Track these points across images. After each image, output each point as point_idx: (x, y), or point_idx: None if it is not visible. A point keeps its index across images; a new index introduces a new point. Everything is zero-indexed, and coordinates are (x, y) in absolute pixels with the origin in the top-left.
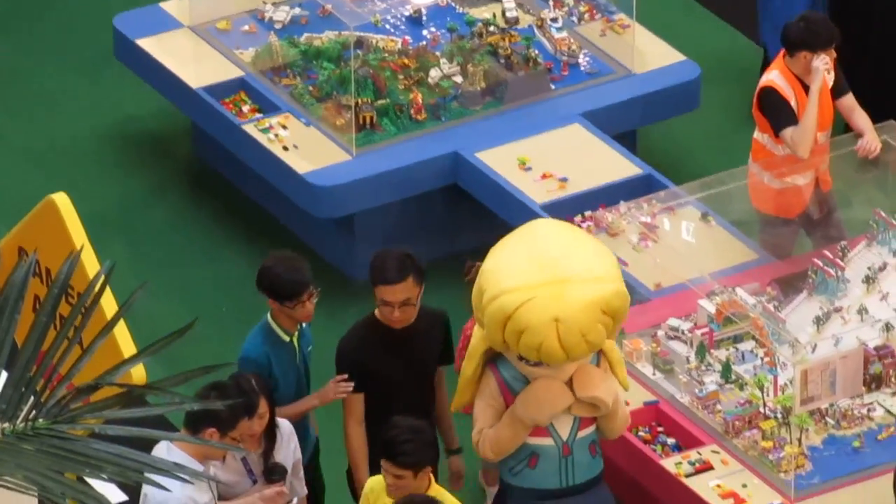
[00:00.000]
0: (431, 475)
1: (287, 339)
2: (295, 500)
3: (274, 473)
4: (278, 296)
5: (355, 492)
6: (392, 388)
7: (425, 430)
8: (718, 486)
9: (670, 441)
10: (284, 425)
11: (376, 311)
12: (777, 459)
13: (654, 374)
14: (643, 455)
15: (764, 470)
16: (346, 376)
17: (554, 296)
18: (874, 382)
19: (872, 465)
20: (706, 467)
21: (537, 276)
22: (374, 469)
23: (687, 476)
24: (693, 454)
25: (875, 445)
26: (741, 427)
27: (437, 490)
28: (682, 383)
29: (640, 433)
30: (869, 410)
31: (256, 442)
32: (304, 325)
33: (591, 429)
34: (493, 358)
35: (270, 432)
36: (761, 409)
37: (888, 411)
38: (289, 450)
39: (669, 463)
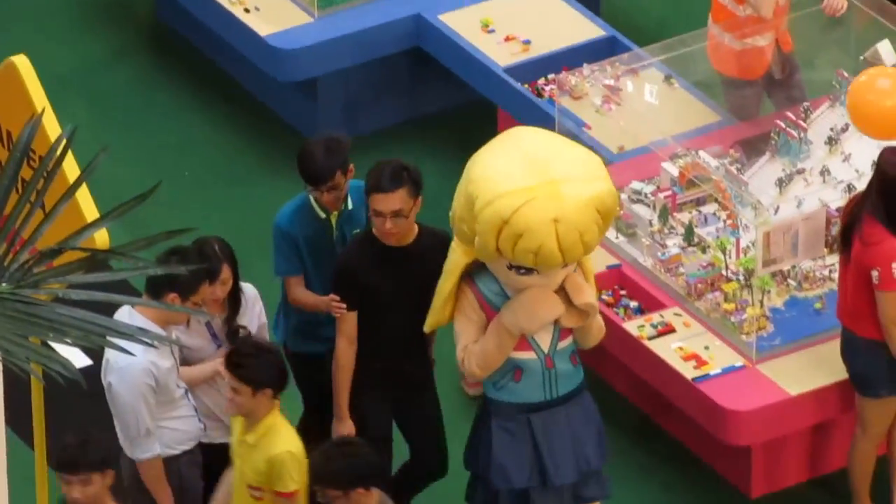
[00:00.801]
0: (278, 404)
1: (323, 216)
2: None
3: (237, 336)
4: (303, 177)
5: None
6: (384, 307)
7: (274, 352)
8: (681, 348)
9: (633, 304)
10: (249, 290)
11: (374, 228)
12: (739, 321)
13: (616, 237)
14: (606, 318)
15: (726, 332)
16: (338, 298)
17: (552, 196)
18: (836, 244)
19: (833, 327)
20: (668, 330)
21: (532, 179)
22: (355, 396)
23: (649, 339)
24: (655, 317)
25: (836, 306)
26: (703, 290)
27: (276, 418)
28: (644, 246)
29: (603, 297)
30: (830, 272)
31: (220, 307)
32: (351, 205)
33: (569, 340)
34: (469, 274)
35: (234, 297)
36: (723, 272)
37: None
38: (253, 314)
39: (632, 326)
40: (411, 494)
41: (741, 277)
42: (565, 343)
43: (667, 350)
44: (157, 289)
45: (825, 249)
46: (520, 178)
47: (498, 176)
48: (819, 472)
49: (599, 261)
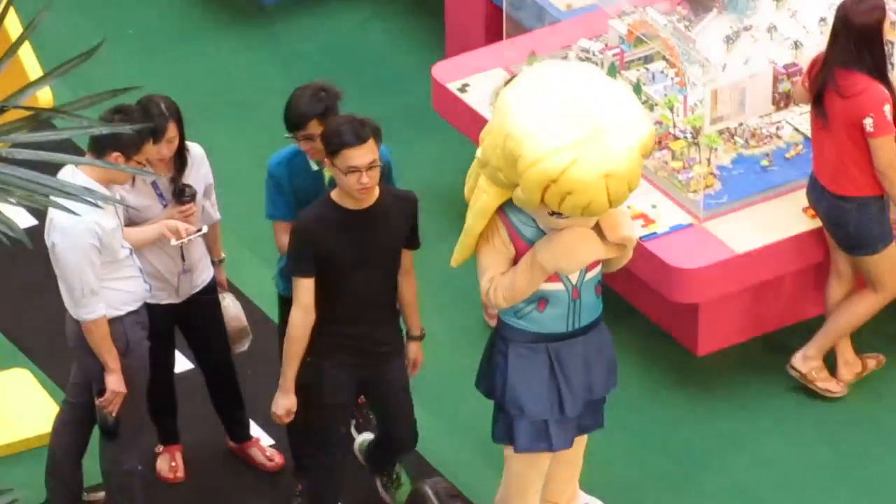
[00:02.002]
0: None
1: (315, 168)
2: (205, 227)
3: (183, 195)
4: (286, 123)
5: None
6: (347, 272)
7: None
8: (628, 207)
9: None
10: (195, 149)
11: (332, 193)
12: (686, 179)
13: None
14: None
15: (673, 190)
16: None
17: (599, 150)
18: (783, 101)
19: (780, 184)
20: None
21: (576, 132)
22: (314, 362)
23: None
24: None
25: (783, 164)
26: (651, 148)
27: None
28: None
29: None
30: (777, 129)
31: (166, 166)
32: None
33: (597, 269)
34: (500, 206)
35: (180, 156)
36: (671, 130)
37: (796, 129)
38: (199, 174)
39: None
40: (383, 468)
41: (689, 135)
42: (593, 273)
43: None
44: (101, 148)
45: (772, 107)
46: (563, 133)
47: (539, 130)
48: (764, 329)
49: None
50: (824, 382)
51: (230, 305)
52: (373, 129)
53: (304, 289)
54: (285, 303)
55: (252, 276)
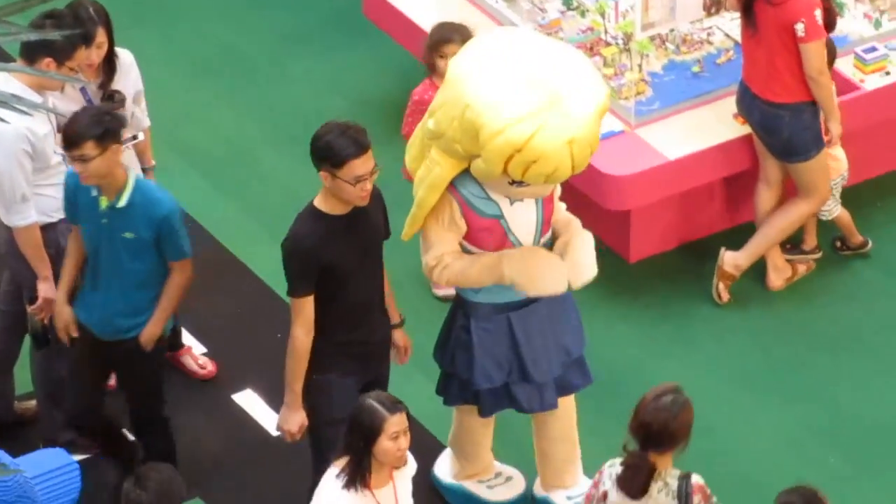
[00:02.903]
0: None
1: (94, 193)
2: (140, 135)
3: (112, 101)
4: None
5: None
6: (344, 280)
7: None
8: None
9: None
10: (125, 55)
11: (316, 202)
12: (618, 86)
13: (496, 1)
14: None
15: None
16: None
17: (561, 117)
18: (714, 6)
19: (711, 90)
20: None
21: (536, 98)
22: (317, 376)
23: None
24: None
25: (714, 70)
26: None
27: None
28: (524, 11)
29: None
30: (709, 35)
31: (95, 72)
32: (125, 202)
33: (549, 233)
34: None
35: (109, 62)
36: (602, 36)
37: (727, 35)
38: (129, 80)
39: None
40: None
41: (620, 42)
42: (546, 237)
43: None
44: (32, 54)
45: (703, 13)
46: (524, 101)
47: (500, 100)
48: (695, 236)
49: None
50: (801, 270)
51: None
52: (364, 132)
53: (307, 306)
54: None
55: (183, 184)
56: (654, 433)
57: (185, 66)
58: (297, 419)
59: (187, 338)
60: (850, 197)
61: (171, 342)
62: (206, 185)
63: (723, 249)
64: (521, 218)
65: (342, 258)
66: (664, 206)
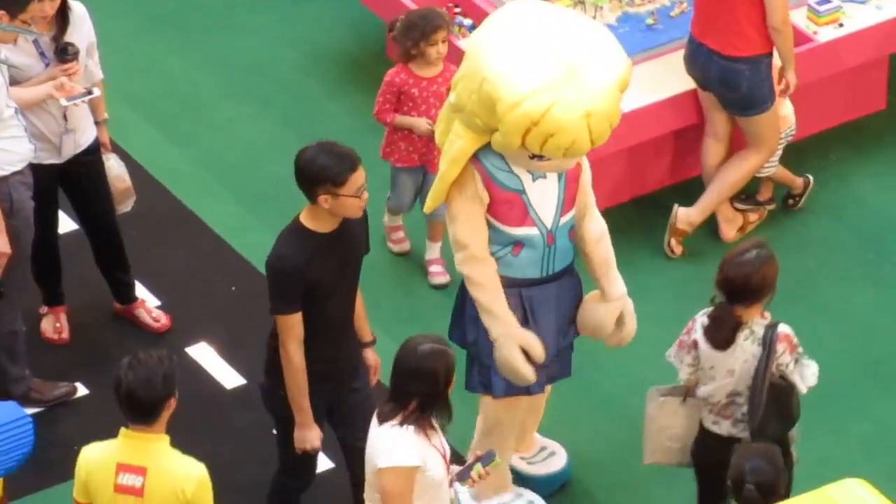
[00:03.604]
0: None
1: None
2: (96, 90)
3: (65, 53)
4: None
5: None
6: (326, 296)
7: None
8: None
9: (467, 22)
10: (78, 7)
11: (302, 219)
12: None
13: None
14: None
15: None
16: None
17: (579, 89)
18: None
19: (665, 42)
20: None
21: (553, 70)
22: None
23: None
24: None
25: (668, 22)
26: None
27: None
28: None
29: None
30: None
31: (48, 24)
32: None
33: (571, 213)
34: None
35: (63, 15)
36: None
37: None
38: (81, 32)
39: (465, 44)
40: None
41: None
42: (567, 217)
43: None
44: None
45: None
46: (541, 73)
47: (517, 73)
48: (644, 190)
49: None
50: (754, 217)
51: (114, 166)
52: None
53: (297, 323)
54: None
55: (136, 137)
56: (738, 288)
57: (137, 19)
58: (315, 434)
59: (141, 291)
60: (801, 150)
61: (123, 295)
62: (158, 137)
63: (676, 206)
64: (543, 195)
65: (326, 275)
66: (615, 159)
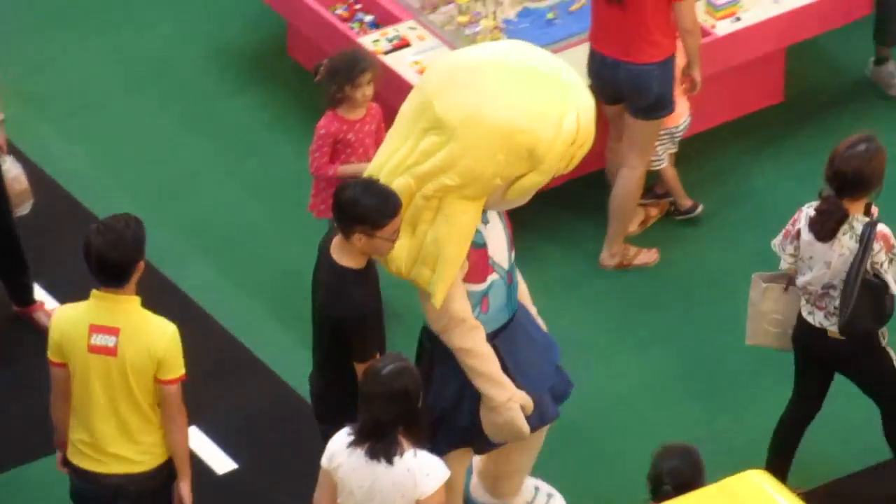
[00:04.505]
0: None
1: None
2: None
3: None
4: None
5: None
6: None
7: None
8: (416, 62)
9: (368, 18)
10: None
11: (346, 263)
12: (473, 34)
13: None
14: (340, 33)
15: (460, 45)
16: None
17: (576, 92)
18: None
19: (565, 37)
20: (404, 44)
21: (556, 89)
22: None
23: (385, 53)
24: (390, 31)
25: (567, 17)
26: (437, 2)
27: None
28: None
29: (338, 11)
30: None
31: None
32: None
33: (513, 250)
34: None
35: None
36: None
37: None
38: None
39: (367, 41)
40: None
41: None
42: (513, 253)
43: (402, 64)
44: None
45: None
46: (551, 97)
47: (539, 109)
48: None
49: None
50: (640, 259)
51: (11, 168)
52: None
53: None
54: None
55: (32, 135)
56: (849, 180)
57: (33, 17)
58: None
59: (39, 293)
60: (700, 143)
61: (22, 297)
62: (56, 137)
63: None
64: (497, 239)
65: (380, 308)
66: None
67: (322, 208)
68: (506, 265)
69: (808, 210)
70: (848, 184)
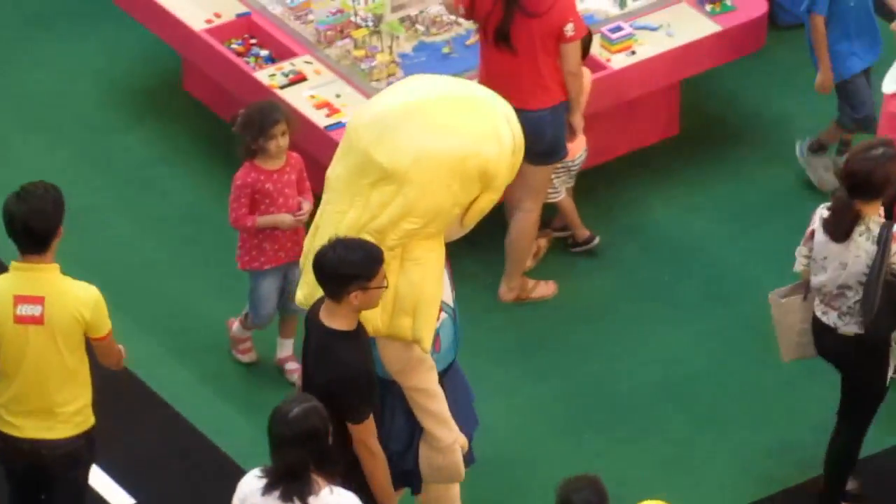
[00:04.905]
0: None
1: None
2: None
3: None
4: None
5: None
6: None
7: None
8: (313, 96)
9: (264, 53)
10: None
11: (338, 326)
12: (369, 68)
13: None
14: (237, 68)
15: (357, 79)
16: None
17: (497, 100)
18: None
19: (462, 71)
20: (300, 78)
21: (487, 108)
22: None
23: (281, 87)
24: (286, 65)
25: (464, 51)
26: (333, 37)
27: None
28: None
29: (234, 45)
30: (457, 18)
31: None
32: None
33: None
34: None
35: None
36: (353, 18)
37: None
38: None
39: (263, 75)
40: None
41: (370, 23)
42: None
43: (299, 98)
44: None
45: None
46: (485, 114)
47: (477, 130)
48: None
49: (229, 8)
50: (538, 292)
51: None
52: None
53: (372, 422)
54: None
55: None
56: (860, 181)
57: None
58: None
59: None
60: (596, 176)
61: None
62: None
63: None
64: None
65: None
66: None
67: (246, 259)
68: (451, 302)
69: (822, 211)
70: (858, 184)
